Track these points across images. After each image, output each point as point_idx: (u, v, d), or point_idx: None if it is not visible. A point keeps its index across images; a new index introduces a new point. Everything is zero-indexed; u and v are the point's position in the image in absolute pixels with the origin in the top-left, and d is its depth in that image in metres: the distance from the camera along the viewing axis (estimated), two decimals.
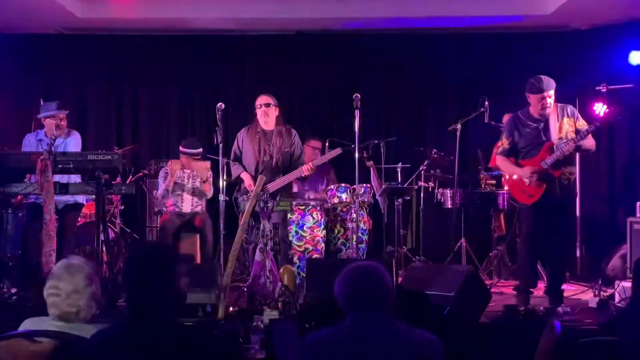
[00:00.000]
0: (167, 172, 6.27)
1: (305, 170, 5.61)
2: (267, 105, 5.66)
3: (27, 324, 2.61)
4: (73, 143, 5.58)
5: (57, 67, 7.88)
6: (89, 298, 2.60)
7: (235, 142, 5.83)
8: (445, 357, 2.27)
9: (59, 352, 2.39)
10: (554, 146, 4.87)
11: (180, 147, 6.39)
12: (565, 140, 4.86)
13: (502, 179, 6.53)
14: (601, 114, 6.41)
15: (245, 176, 5.66)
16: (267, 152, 5.66)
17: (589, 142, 4.91)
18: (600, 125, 4.96)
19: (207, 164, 6.34)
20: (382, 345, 2.21)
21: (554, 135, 4.90)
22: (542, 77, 4.90)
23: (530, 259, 5.05)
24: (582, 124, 4.98)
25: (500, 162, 5.19)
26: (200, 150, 6.36)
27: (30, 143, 5.57)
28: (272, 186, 5.46)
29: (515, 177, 5.05)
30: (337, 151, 5.88)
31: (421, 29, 7.68)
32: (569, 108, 5.04)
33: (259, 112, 5.69)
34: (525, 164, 4.96)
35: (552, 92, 4.89)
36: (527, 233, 5.03)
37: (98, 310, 2.64)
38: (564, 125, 4.94)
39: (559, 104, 5.00)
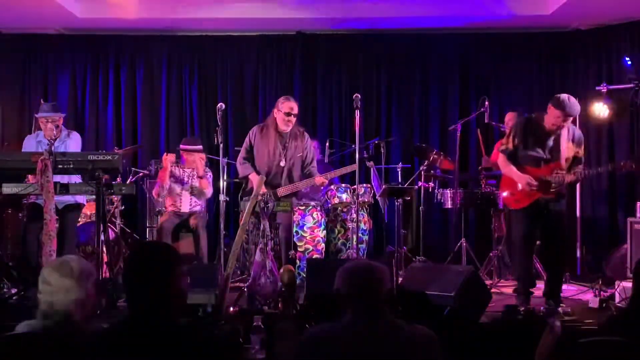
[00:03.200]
0: (162, 185, 6.28)
1: (317, 181, 5.54)
2: (295, 115, 5.56)
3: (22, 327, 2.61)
4: (73, 144, 5.59)
5: (57, 67, 7.87)
6: (81, 298, 2.60)
7: (247, 139, 5.68)
8: (443, 353, 2.29)
9: (58, 352, 2.39)
10: (556, 171, 4.84)
11: (180, 146, 6.41)
12: (571, 171, 4.86)
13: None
14: (601, 115, 6.43)
15: (253, 178, 5.51)
16: (282, 157, 5.56)
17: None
18: (603, 172, 4.96)
19: (203, 155, 6.37)
20: (379, 339, 2.24)
21: (563, 155, 4.87)
22: (572, 98, 4.80)
23: (525, 260, 5.03)
24: (581, 154, 4.96)
25: (500, 159, 5.09)
26: (200, 147, 6.40)
27: (29, 146, 5.58)
28: (283, 191, 5.44)
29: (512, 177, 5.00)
30: (354, 167, 5.72)
31: (421, 29, 7.68)
32: (577, 133, 4.99)
33: (285, 118, 5.51)
34: (528, 170, 4.90)
35: (571, 118, 4.83)
36: (519, 234, 5.00)
37: (95, 311, 2.65)
38: (568, 150, 4.90)
39: (571, 126, 4.95)
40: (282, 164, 5.57)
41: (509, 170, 5.01)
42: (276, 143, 5.56)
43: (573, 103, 4.80)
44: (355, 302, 2.34)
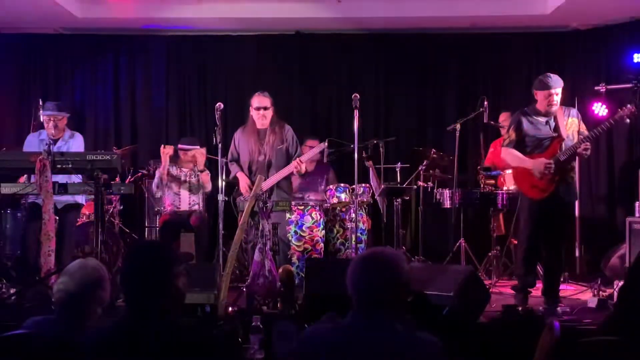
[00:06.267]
0: (160, 177, 6.28)
1: (292, 166, 5.59)
2: (265, 108, 5.64)
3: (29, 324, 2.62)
4: (76, 145, 5.60)
5: (57, 67, 7.87)
6: (95, 302, 2.62)
7: (232, 143, 5.83)
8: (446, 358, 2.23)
9: (58, 352, 2.39)
10: (564, 143, 4.88)
11: (178, 145, 6.42)
12: (573, 140, 4.87)
13: (500, 179, 6.53)
14: (600, 114, 6.44)
15: (240, 176, 5.66)
16: (260, 152, 5.66)
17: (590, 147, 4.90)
18: (607, 127, 4.91)
19: (204, 150, 6.38)
20: (380, 344, 2.16)
21: (564, 132, 4.92)
22: (550, 74, 4.93)
23: (528, 258, 5.04)
24: (583, 128, 5.00)
25: (507, 154, 5.08)
26: (198, 147, 6.41)
27: (32, 143, 5.59)
28: (265, 184, 5.45)
29: (527, 168, 4.95)
30: (322, 146, 5.85)
31: (421, 29, 7.68)
32: (574, 110, 5.08)
33: (256, 115, 5.66)
34: (534, 157, 4.93)
35: (559, 90, 4.91)
36: (527, 231, 5.01)
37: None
38: (570, 126, 4.96)
39: (563, 106, 5.02)
40: (261, 158, 5.65)
41: (520, 161, 4.98)
42: (255, 139, 5.67)
43: (554, 77, 4.91)
44: (363, 305, 2.21)
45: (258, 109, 5.64)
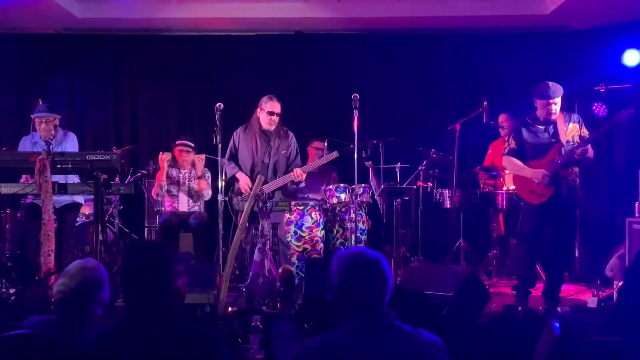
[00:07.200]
0: (160, 184, 6.27)
1: (295, 175, 5.58)
2: (278, 114, 5.62)
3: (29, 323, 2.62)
4: (70, 144, 5.59)
5: (56, 68, 7.86)
6: (95, 302, 2.63)
7: (232, 140, 5.77)
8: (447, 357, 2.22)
9: (58, 352, 2.39)
10: (563, 148, 4.90)
11: (176, 142, 6.45)
12: (575, 144, 4.88)
13: (499, 179, 6.54)
14: (600, 115, 6.44)
15: (241, 176, 5.61)
16: (265, 153, 5.63)
17: (590, 151, 4.93)
18: (604, 130, 4.98)
19: (203, 156, 6.37)
20: (385, 348, 2.12)
21: (563, 137, 4.94)
22: (550, 83, 4.93)
23: (528, 258, 5.06)
24: (585, 132, 5.02)
25: (507, 162, 5.20)
26: (193, 145, 6.42)
27: (25, 146, 5.59)
28: (266, 188, 5.44)
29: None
30: (334, 154, 5.83)
31: (421, 29, 7.67)
32: (575, 115, 5.11)
33: (267, 118, 5.60)
34: (533, 164, 4.98)
35: (558, 100, 4.93)
36: (526, 233, 5.04)
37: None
38: (571, 131, 4.99)
39: (564, 112, 5.05)
40: (266, 161, 5.62)
41: (519, 169, 5.08)
42: (260, 141, 5.62)
43: (553, 86, 4.91)
44: (360, 303, 2.17)
45: (271, 113, 5.59)
